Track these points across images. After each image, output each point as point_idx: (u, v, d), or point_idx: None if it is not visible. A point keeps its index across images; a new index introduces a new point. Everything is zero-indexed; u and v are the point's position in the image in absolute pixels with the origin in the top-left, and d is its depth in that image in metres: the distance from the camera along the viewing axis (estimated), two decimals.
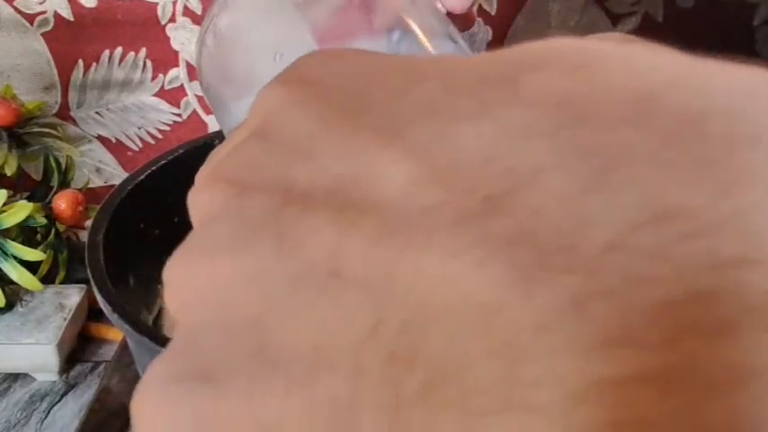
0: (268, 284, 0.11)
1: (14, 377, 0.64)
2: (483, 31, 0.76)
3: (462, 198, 0.10)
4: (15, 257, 0.60)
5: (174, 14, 0.67)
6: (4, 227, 0.59)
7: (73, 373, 0.64)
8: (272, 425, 0.10)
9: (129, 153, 0.76)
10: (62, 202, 0.65)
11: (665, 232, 0.09)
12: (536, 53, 0.12)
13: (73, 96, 0.72)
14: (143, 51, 0.70)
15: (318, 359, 0.10)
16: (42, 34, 0.69)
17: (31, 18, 0.68)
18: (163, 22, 0.68)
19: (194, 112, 0.73)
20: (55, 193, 0.67)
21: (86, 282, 0.63)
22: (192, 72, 0.71)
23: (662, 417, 0.08)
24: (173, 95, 0.72)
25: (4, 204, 0.59)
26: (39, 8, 0.67)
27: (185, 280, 0.13)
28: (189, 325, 0.13)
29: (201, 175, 0.14)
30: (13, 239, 0.60)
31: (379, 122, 0.12)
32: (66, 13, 0.67)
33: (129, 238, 0.51)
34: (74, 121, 0.73)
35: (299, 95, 0.13)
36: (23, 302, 0.64)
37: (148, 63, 0.70)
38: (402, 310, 0.10)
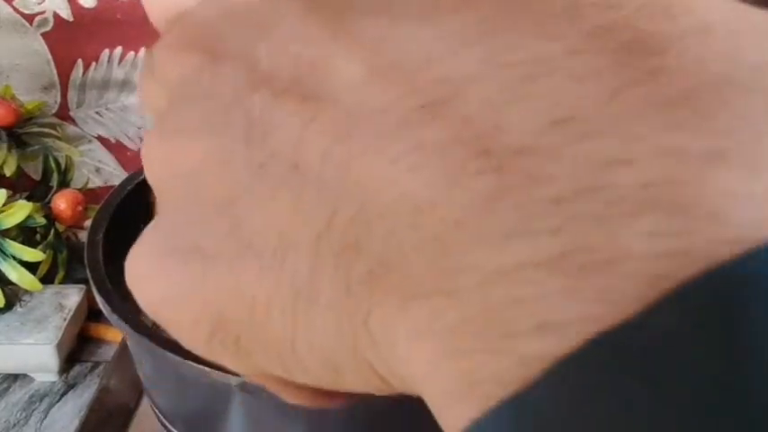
0: (237, 171, 0.13)
1: (14, 377, 0.64)
2: None
3: (403, 103, 0.11)
4: (15, 257, 0.60)
5: None
6: (3, 227, 0.59)
7: (72, 373, 0.64)
8: (250, 296, 0.12)
9: (129, 153, 0.76)
10: (62, 202, 0.65)
11: (564, 135, 0.10)
12: None
13: (72, 96, 0.72)
14: (142, 51, 0.70)
15: (284, 244, 0.12)
16: (42, 34, 0.69)
17: (30, 18, 0.68)
18: None
19: None
20: (54, 193, 0.67)
21: (86, 282, 0.63)
22: None
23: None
24: None
25: (4, 204, 0.59)
26: (38, 8, 0.67)
27: (161, 156, 0.14)
28: (168, 201, 0.14)
29: (168, 32, 0.15)
30: (13, 239, 0.60)
31: (330, 7, 0.13)
32: (66, 13, 0.67)
33: (129, 238, 0.51)
34: (73, 121, 0.73)
35: None
36: (23, 302, 0.64)
37: None
38: (352, 206, 0.11)
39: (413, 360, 0.10)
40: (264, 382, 0.15)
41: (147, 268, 0.14)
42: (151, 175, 0.15)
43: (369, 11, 0.12)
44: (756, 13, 0.11)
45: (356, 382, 0.12)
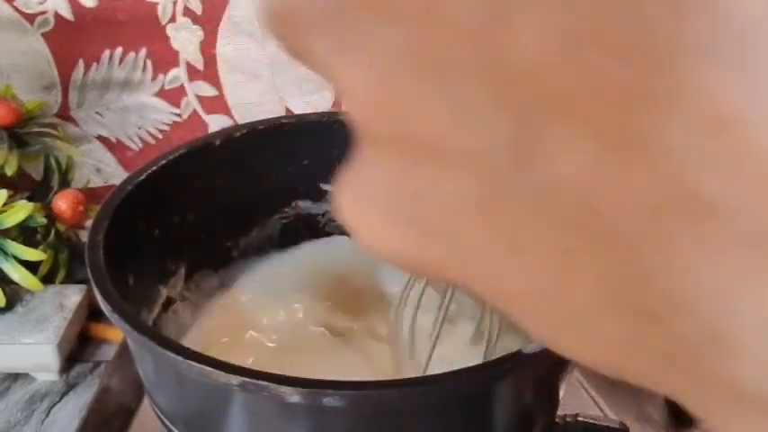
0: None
1: (14, 377, 0.64)
2: None
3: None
4: (16, 257, 0.60)
5: (174, 14, 0.68)
6: (4, 227, 0.59)
7: (73, 372, 0.64)
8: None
9: (129, 153, 0.76)
10: (62, 202, 0.65)
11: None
12: None
13: (73, 96, 0.72)
14: (143, 51, 0.70)
15: None
16: (42, 34, 0.69)
17: (31, 18, 0.68)
18: (163, 22, 0.68)
19: (194, 112, 0.73)
20: (55, 193, 0.67)
21: (86, 282, 0.63)
22: (192, 72, 0.71)
23: None
24: (173, 95, 0.72)
25: (5, 204, 0.59)
26: (39, 8, 0.67)
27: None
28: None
29: None
30: (14, 239, 0.60)
31: None
32: (67, 12, 0.67)
33: (129, 238, 0.51)
34: (74, 121, 0.73)
35: None
36: (24, 302, 0.64)
37: (148, 63, 0.70)
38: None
39: None
40: None
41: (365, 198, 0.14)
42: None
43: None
44: None
45: None
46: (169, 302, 0.57)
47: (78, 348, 0.66)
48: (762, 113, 0.10)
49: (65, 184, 0.68)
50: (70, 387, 0.63)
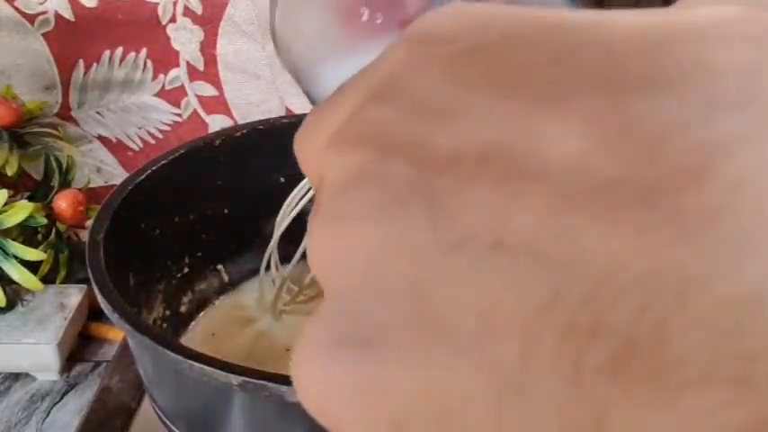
0: (423, 252, 0.11)
1: (15, 377, 0.64)
2: None
3: (646, 172, 0.10)
4: (16, 257, 0.60)
5: (174, 14, 0.68)
6: (4, 227, 0.59)
7: (73, 372, 0.64)
8: (439, 392, 0.10)
9: (130, 153, 0.76)
10: (63, 202, 0.65)
11: None
12: (708, 21, 0.11)
13: (74, 96, 0.72)
14: (143, 51, 0.70)
15: (485, 327, 0.10)
16: (43, 34, 0.69)
17: (31, 18, 0.68)
18: (163, 23, 0.68)
19: (194, 112, 0.73)
20: (56, 192, 0.67)
21: (87, 281, 0.63)
22: (193, 72, 0.71)
23: None
24: (173, 95, 0.72)
25: (5, 204, 0.59)
26: (39, 8, 0.67)
27: (330, 243, 0.13)
28: (339, 290, 0.12)
29: (322, 136, 0.14)
30: (14, 239, 0.60)
31: (537, 87, 0.11)
32: (67, 13, 0.68)
33: (129, 238, 0.51)
34: (74, 121, 0.73)
35: (430, 55, 0.12)
36: (24, 302, 0.64)
37: (149, 63, 0.70)
38: (584, 282, 0.09)
39: None
40: None
41: (313, 363, 0.12)
42: (316, 263, 0.13)
43: (584, 86, 0.11)
44: None
45: None
46: (170, 302, 0.57)
47: (79, 348, 0.66)
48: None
49: (65, 183, 0.68)
50: (71, 387, 0.63)
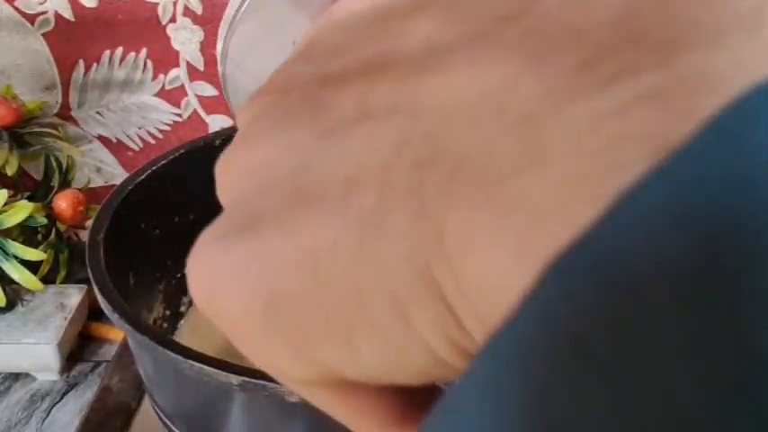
0: (303, 144, 0.12)
1: (15, 377, 0.64)
2: None
3: (475, 24, 0.11)
4: (16, 257, 0.60)
5: (174, 14, 0.68)
6: (4, 227, 0.59)
7: (73, 372, 0.64)
8: (311, 253, 0.11)
9: (130, 153, 0.76)
10: (63, 202, 0.65)
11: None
12: None
13: (74, 96, 0.72)
14: (143, 51, 0.70)
15: (350, 186, 0.11)
16: (43, 34, 0.69)
17: (31, 18, 0.68)
18: (163, 23, 0.68)
19: (194, 112, 0.73)
20: (56, 192, 0.67)
21: (87, 281, 0.63)
22: (193, 72, 0.71)
23: None
24: (173, 95, 0.72)
25: (5, 204, 0.59)
26: (39, 8, 0.67)
27: (230, 168, 0.14)
28: (233, 199, 0.14)
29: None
30: (14, 239, 0.60)
31: (409, 6, 0.13)
32: (67, 13, 0.68)
33: (129, 238, 0.51)
34: (74, 121, 0.73)
35: (338, 16, 0.14)
36: (24, 302, 0.64)
37: (149, 63, 0.70)
38: (425, 123, 0.11)
39: (494, 257, 0.10)
40: (321, 394, 0.14)
41: (202, 255, 0.13)
42: (222, 187, 0.14)
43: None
44: None
45: (427, 331, 0.11)
46: (170, 302, 0.57)
47: (79, 348, 0.66)
48: None
49: (65, 183, 0.68)
50: (71, 386, 0.63)
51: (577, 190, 0.09)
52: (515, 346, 0.09)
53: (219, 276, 0.13)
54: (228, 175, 0.14)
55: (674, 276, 0.08)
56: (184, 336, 0.58)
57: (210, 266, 0.13)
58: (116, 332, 0.66)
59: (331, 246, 0.11)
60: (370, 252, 0.11)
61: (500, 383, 0.09)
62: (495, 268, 0.10)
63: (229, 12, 0.67)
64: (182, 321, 0.58)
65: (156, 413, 0.46)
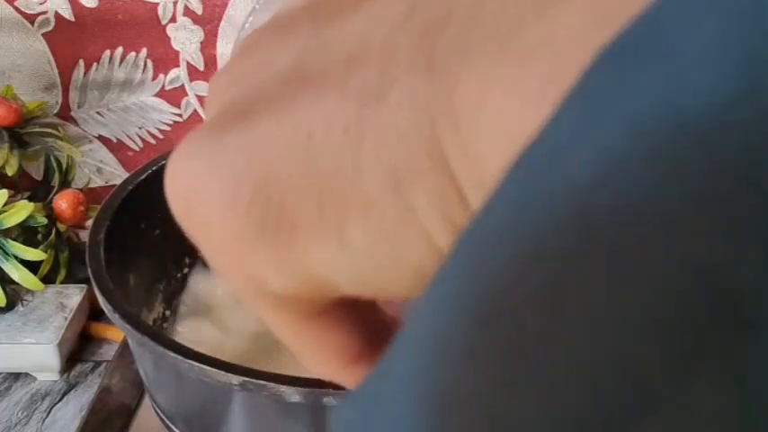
0: (305, 39, 0.12)
1: (15, 377, 0.64)
2: None
3: None
4: (16, 257, 0.60)
5: (174, 14, 0.68)
6: (4, 227, 0.59)
7: (74, 372, 0.64)
8: (305, 132, 0.11)
9: (130, 153, 0.76)
10: (63, 202, 0.65)
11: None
12: None
13: (74, 96, 0.72)
14: (144, 51, 0.70)
15: (351, 64, 0.11)
16: (43, 34, 0.69)
17: (31, 18, 0.68)
18: (163, 23, 0.68)
19: (195, 112, 0.73)
20: (56, 192, 0.67)
21: (87, 281, 0.63)
22: (193, 72, 0.71)
23: None
24: (173, 96, 0.72)
25: (5, 204, 0.59)
26: (39, 8, 0.67)
27: (224, 75, 0.13)
28: (221, 105, 0.13)
29: None
30: (14, 239, 0.60)
31: None
32: (67, 13, 0.68)
33: (129, 238, 0.51)
34: (75, 121, 0.73)
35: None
36: (24, 302, 0.64)
37: (149, 63, 0.70)
38: None
39: (511, 104, 0.09)
40: (288, 320, 0.13)
41: (183, 158, 0.13)
42: (211, 100, 0.14)
43: None
44: None
45: (425, 208, 0.10)
46: (170, 302, 0.57)
47: (79, 348, 0.66)
48: None
49: (65, 183, 0.68)
50: (71, 386, 0.63)
51: (606, 20, 0.09)
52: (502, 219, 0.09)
53: (202, 175, 0.12)
54: (219, 85, 0.13)
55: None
56: (184, 336, 0.58)
57: (192, 166, 0.12)
58: (116, 332, 0.66)
59: (326, 122, 0.11)
60: (369, 123, 0.10)
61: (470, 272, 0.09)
62: (510, 116, 0.09)
63: (230, 11, 0.67)
64: (182, 321, 0.58)
65: (156, 413, 0.46)
